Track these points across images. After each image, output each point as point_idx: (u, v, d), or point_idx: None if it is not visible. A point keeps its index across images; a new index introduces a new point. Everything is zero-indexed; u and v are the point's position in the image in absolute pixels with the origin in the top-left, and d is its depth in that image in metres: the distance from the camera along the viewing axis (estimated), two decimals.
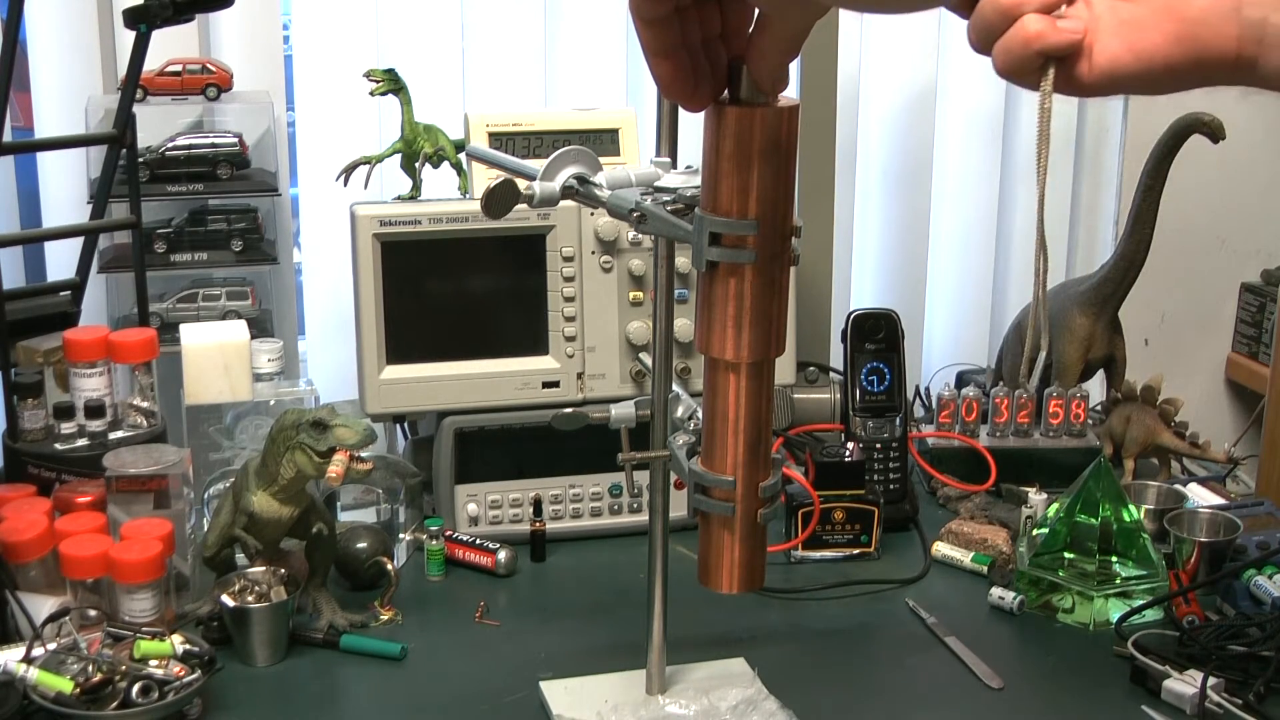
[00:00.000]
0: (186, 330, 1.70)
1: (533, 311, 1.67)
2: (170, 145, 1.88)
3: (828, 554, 1.64)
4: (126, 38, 1.75)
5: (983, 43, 0.86)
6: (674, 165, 1.20)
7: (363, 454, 1.40)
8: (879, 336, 1.77)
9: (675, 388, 1.27)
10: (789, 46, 0.87)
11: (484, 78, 2.08)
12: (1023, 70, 0.85)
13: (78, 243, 1.77)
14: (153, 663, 1.29)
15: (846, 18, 2.04)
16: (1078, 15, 0.84)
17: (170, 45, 1.84)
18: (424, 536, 1.60)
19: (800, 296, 1.81)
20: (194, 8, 1.71)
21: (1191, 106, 1.88)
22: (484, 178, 1.62)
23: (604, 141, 1.71)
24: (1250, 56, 0.82)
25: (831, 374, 1.97)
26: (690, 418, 1.24)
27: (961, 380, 2.06)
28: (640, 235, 1.47)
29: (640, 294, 1.68)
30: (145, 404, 1.65)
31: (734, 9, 0.87)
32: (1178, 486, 1.74)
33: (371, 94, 1.76)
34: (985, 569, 1.60)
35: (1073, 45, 0.83)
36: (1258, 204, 2.48)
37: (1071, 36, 0.83)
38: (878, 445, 1.74)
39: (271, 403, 1.66)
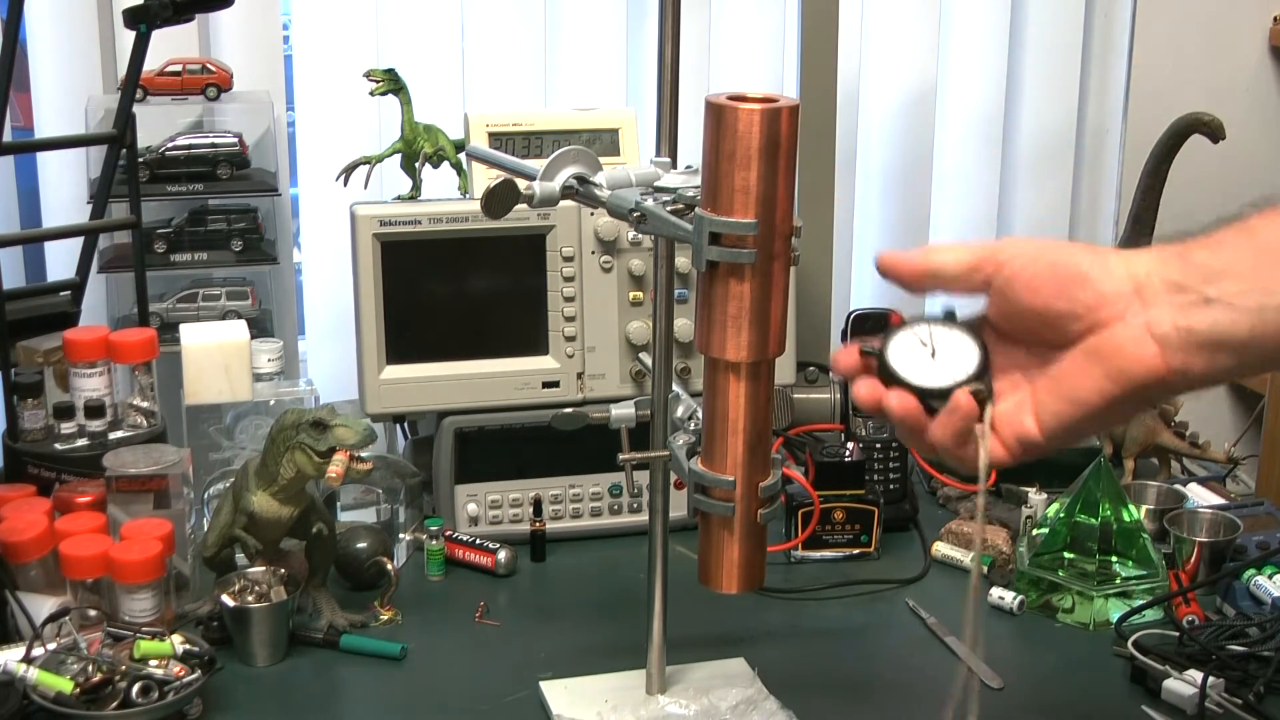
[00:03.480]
0: (186, 330, 1.70)
1: (533, 311, 1.67)
2: (170, 145, 1.88)
3: (828, 554, 1.64)
4: (126, 38, 1.75)
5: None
6: (674, 165, 1.20)
7: (363, 454, 1.40)
8: None
9: (675, 388, 1.27)
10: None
11: (484, 78, 2.08)
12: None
13: (78, 243, 1.77)
14: (153, 663, 1.29)
15: (846, 17, 2.04)
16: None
17: (170, 45, 1.84)
18: (424, 536, 1.60)
19: (800, 296, 1.81)
20: (194, 8, 1.71)
21: (1191, 107, 1.88)
22: (484, 178, 1.62)
23: (604, 141, 1.71)
24: (1179, 366, 0.86)
25: (831, 374, 1.97)
26: (690, 418, 1.24)
27: None
28: (640, 235, 1.47)
29: (640, 294, 1.68)
30: (145, 404, 1.65)
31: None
32: (1178, 486, 1.74)
33: (371, 94, 1.76)
34: (985, 569, 1.60)
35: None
36: None
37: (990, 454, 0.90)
38: (878, 445, 1.74)
39: (271, 403, 1.66)
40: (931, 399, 0.91)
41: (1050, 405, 0.89)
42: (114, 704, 1.25)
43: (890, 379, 0.92)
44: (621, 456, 1.26)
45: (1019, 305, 0.90)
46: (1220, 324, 0.84)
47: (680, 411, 1.26)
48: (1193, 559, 1.56)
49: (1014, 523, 1.67)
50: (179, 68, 1.89)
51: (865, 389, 0.93)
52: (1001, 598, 1.53)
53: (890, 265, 0.95)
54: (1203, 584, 1.53)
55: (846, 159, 2.21)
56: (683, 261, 1.53)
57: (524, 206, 1.15)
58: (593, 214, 1.63)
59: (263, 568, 1.44)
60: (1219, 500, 1.73)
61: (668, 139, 1.21)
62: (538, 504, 1.67)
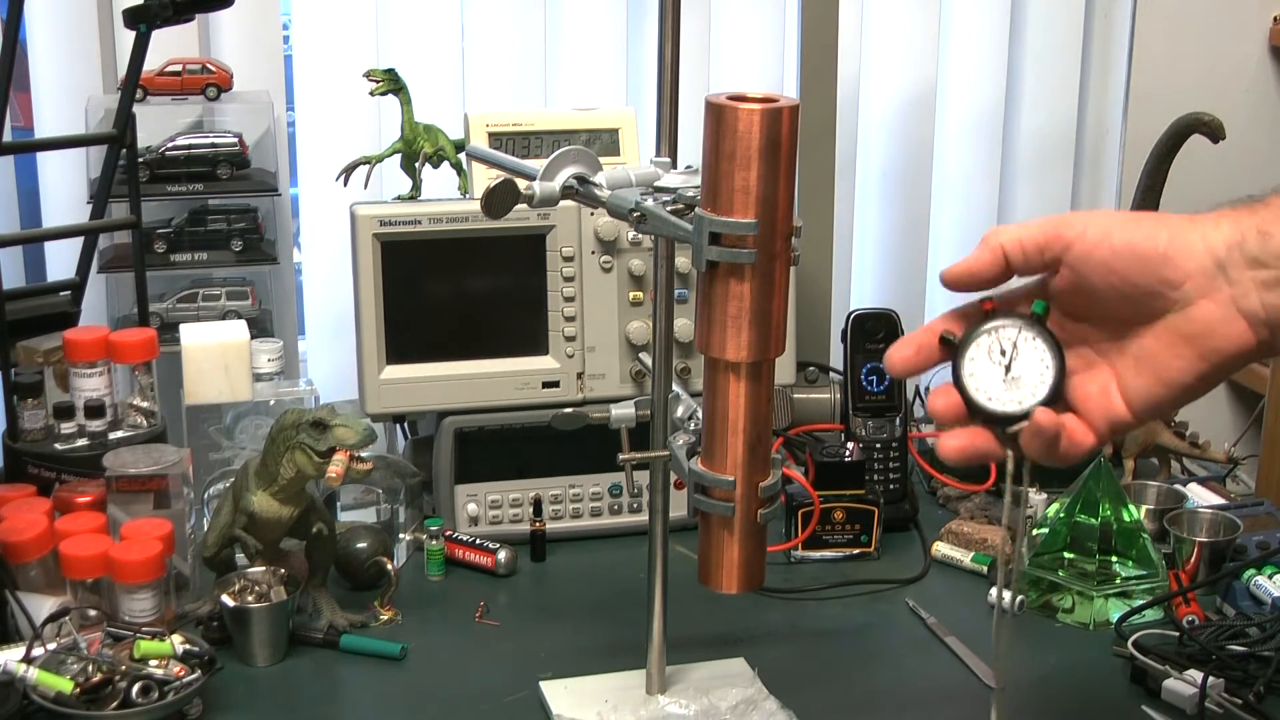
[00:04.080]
0: (186, 330, 1.70)
1: (533, 311, 1.67)
2: (170, 145, 1.88)
3: (828, 554, 1.64)
4: (126, 38, 1.75)
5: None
6: (674, 165, 1.20)
7: (363, 454, 1.40)
8: (879, 336, 1.77)
9: (675, 388, 1.27)
10: None
11: (484, 78, 2.08)
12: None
13: (78, 243, 1.77)
14: (153, 663, 1.29)
15: (846, 18, 2.04)
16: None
17: (170, 45, 1.84)
18: (424, 536, 1.60)
19: (800, 296, 1.81)
20: (194, 8, 1.71)
21: (1191, 107, 1.88)
22: (484, 178, 1.62)
23: (604, 141, 1.71)
24: (1268, 339, 0.87)
25: (831, 374, 1.97)
26: (690, 418, 1.24)
27: None
28: (640, 235, 1.47)
29: (640, 294, 1.68)
30: (145, 404, 1.65)
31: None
32: (1178, 486, 1.74)
33: (371, 94, 1.76)
34: (985, 569, 1.60)
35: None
36: None
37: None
38: (878, 445, 1.74)
39: (271, 403, 1.66)
40: (1003, 424, 0.91)
41: (1140, 387, 0.90)
42: (114, 704, 1.25)
43: (966, 403, 0.92)
44: (621, 456, 1.26)
45: (1093, 283, 0.89)
46: None
47: (680, 411, 1.26)
48: (1193, 559, 1.56)
49: (1014, 523, 1.67)
50: (179, 68, 1.89)
51: (954, 447, 0.93)
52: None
53: (958, 277, 0.92)
54: (1203, 584, 1.53)
55: (846, 159, 2.21)
56: (683, 261, 1.53)
57: (524, 206, 1.15)
58: (593, 214, 1.63)
59: (263, 568, 1.44)
60: (1219, 500, 1.73)
61: (668, 139, 1.21)
62: (538, 504, 1.67)
